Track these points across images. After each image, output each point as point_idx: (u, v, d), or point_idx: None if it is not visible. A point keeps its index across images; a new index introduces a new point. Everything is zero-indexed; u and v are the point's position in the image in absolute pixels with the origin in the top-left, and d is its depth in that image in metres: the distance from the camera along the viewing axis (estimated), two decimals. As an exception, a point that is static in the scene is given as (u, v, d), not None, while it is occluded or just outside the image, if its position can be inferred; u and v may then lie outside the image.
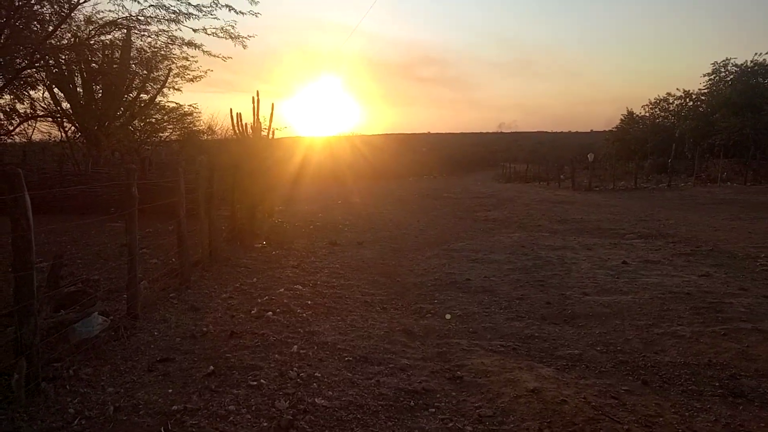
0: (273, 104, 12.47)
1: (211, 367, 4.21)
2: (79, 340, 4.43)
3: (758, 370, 4.23)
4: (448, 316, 5.86)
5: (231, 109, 11.39)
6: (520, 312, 6.01)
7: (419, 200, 22.13)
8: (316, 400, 3.71)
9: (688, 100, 37.53)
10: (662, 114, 39.43)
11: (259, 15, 16.41)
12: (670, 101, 38.88)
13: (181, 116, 23.81)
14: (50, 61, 15.98)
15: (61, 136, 20.04)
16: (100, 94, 18.40)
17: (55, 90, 17.96)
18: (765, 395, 3.81)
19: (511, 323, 5.62)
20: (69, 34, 15.90)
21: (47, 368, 3.92)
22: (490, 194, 24.85)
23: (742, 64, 33.31)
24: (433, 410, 3.63)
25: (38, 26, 14.34)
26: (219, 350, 4.62)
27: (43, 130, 21.05)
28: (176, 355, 4.48)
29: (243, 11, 16.29)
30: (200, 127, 27.09)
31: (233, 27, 16.77)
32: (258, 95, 11.30)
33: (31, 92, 18.28)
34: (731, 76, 33.60)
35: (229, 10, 15.90)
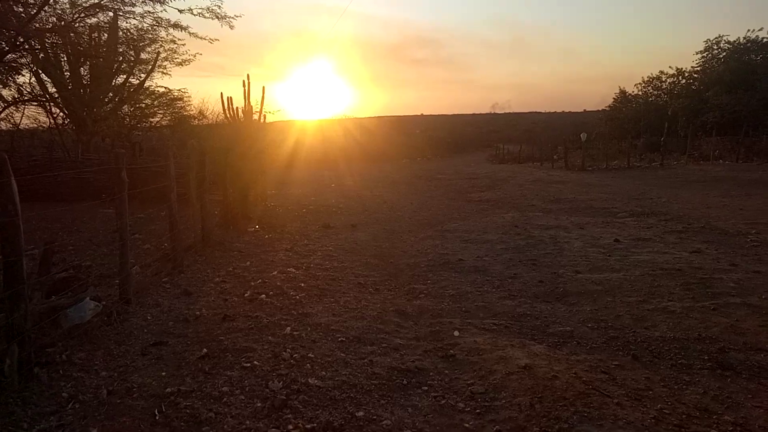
0: (264, 88, 12.30)
1: (205, 350, 4.22)
2: (72, 325, 4.42)
3: (746, 343, 4.29)
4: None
5: (222, 93, 11.22)
6: (512, 291, 6.05)
7: (412, 182, 22.08)
8: (309, 380, 3.74)
9: (680, 78, 37.37)
10: (655, 92, 39.32)
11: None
12: (663, 79, 38.76)
13: (171, 101, 23.48)
14: (35, 45, 15.72)
15: (50, 122, 19.77)
16: (87, 79, 18.15)
17: (42, 75, 17.68)
18: (753, 368, 3.87)
19: (503, 302, 5.65)
20: (54, 18, 15.64)
21: (40, 353, 3.91)
22: (484, 175, 24.82)
23: (734, 41, 33.11)
24: (426, 388, 3.67)
25: (21, 9, 14.06)
26: (212, 333, 4.63)
27: (30, 116, 20.76)
28: (169, 339, 4.49)
29: (228, -13, 16.19)
30: (191, 112, 26.78)
31: (219, 6, 16.56)
32: (249, 79, 11.14)
33: (17, 77, 17.98)
34: (724, 54, 33.44)
35: (215, -14, 15.70)
